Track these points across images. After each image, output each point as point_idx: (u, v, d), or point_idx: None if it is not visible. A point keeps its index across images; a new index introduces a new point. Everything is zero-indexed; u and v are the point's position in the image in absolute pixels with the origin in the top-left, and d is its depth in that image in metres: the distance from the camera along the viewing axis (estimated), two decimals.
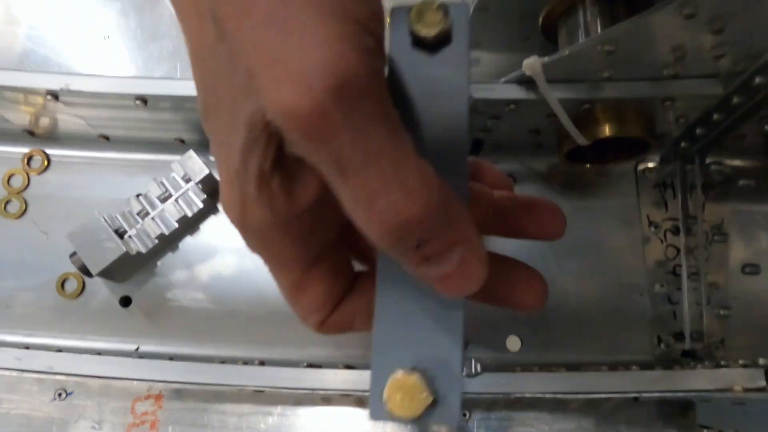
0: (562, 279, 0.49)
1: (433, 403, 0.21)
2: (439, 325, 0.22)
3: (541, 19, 0.47)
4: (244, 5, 0.15)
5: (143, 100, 0.45)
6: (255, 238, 0.22)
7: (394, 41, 0.21)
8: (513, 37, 0.48)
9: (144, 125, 0.49)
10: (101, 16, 0.61)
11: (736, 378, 0.38)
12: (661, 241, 0.51)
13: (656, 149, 0.50)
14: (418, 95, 0.21)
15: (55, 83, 0.46)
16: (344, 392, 0.37)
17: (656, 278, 0.50)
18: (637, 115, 0.44)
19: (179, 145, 0.52)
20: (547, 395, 0.36)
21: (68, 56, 0.59)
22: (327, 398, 0.45)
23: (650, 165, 0.52)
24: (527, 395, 0.36)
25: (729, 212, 0.51)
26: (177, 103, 0.45)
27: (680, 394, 0.39)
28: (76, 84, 0.46)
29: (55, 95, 0.46)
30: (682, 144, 0.50)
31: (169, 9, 0.63)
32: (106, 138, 0.53)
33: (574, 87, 0.41)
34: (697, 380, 0.39)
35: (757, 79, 0.40)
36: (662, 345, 0.48)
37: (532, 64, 0.39)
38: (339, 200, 0.17)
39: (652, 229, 0.51)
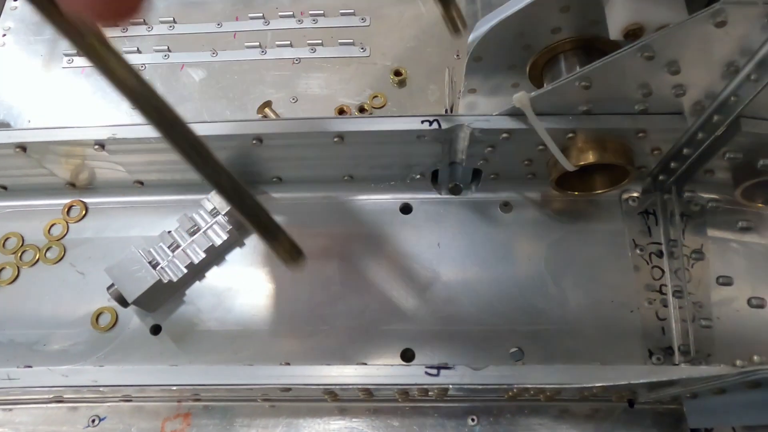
0: (559, 297, 0.54)
1: None
2: None
3: (528, 68, 0.54)
4: None
5: None
6: None
7: None
8: (504, 84, 0.55)
9: (176, 167, 0.55)
10: None
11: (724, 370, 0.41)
12: (647, 263, 0.55)
13: (637, 180, 0.56)
14: None
15: (102, 134, 0.52)
16: (362, 386, 0.41)
17: (644, 296, 0.54)
18: (616, 144, 0.50)
19: (207, 185, 0.57)
20: (548, 386, 0.40)
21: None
22: (343, 409, 0.49)
23: (634, 194, 0.57)
24: (529, 386, 0.40)
25: (707, 237, 0.56)
26: (214, 142, 0.51)
27: (672, 391, 0.43)
28: (122, 132, 0.52)
29: (101, 144, 0.52)
30: (660, 177, 0.56)
31: (192, 77, 0.70)
32: (141, 183, 0.59)
33: (558, 119, 0.48)
34: (686, 371, 0.42)
35: (716, 117, 0.47)
36: (653, 358, 0.52)
37: (521, 97, 0.45)
38: None
39: (639, 251, 0.56)
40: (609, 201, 0.57)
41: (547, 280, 0.54)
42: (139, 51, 0.71)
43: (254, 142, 0.50)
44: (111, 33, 0.72)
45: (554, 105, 0.47)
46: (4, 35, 0.75)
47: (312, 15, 0.73)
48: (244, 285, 0.55)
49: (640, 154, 0.52)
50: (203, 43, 0.72)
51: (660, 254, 0.55)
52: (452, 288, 0.54)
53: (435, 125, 0.48)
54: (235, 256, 0.57)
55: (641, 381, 0.38)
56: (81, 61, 0.71)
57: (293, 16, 0.73)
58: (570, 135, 0.48)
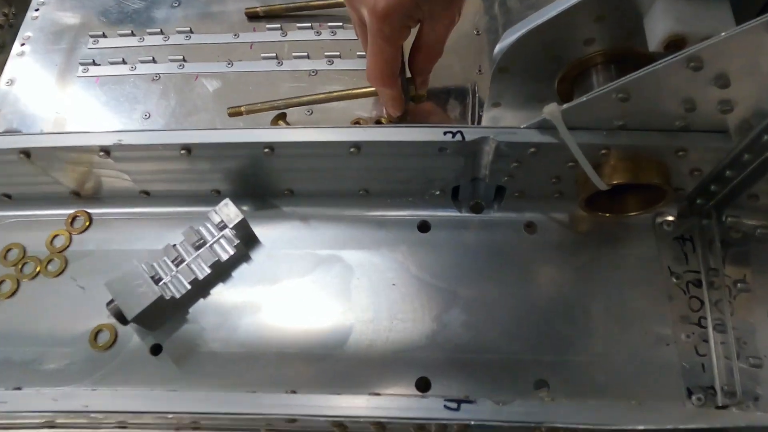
0: (587, 326, 0.50)
1: None
2: None
3: (557, 82, 0.51)
4: None
5: (188, 149, 0.48)
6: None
7: None
8: (531, 98, 0.52)
9: (184, 177, 0.53)
10: (144, 98, 0.67)
11: None
12: (684, 293, 0.51)
13: (673, 202, 0.52)
14: None
15: (108, 140, 0.49)
16: (374, 419, 0.37)
17: (681, 329, 0.50)
18: (652, 163, 0.46)
19: (215, 197, 0.54)
20: (582, 426, 0.36)
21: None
22: None
23: (669, 218, 0.54)
24: (559, 425, 0.36)
25: (751, 267, 0.52)
26: (217, 151, 0.48)
27: None
28: (128, 138, 0.49)
29: (107, 151, 0.50)
30: (698, 200, 0.52)
31: (206, 87, 0.68)
32: (147, 193, 0.56)
33: (591, 133, 0.44)
34: (735, 418, 0.38)
35: (765, 137, 0.43)
36: (693, 398, 0.48)
37: (552, 109, 0.42)
38: None
39: (675, 280, 0.52)
40: (642, 224, 0.54)
41: (574, 307, 0.51)
42: (154, 60, 0.70)
43: (266, 150, 0.47)
44: (125, 43, 0.71)
45: (587, 118, 0.44)
46: (23, 44, 0.74)
47: (330, 27, 0.71)
48: (250, 304, 0.52)
49: (678, 174, 0.48)
50: (219, 53, 0.70)
51: (698, 284, 0.51)
52: (471, 312, 0.51)
53: (458, 137, 0.44)
54: (241, 272, 0.54)
55: (690, 426, 0.34)
56: (96, 71, 0.70)
57: (311, 27, 0.72)
58: (603, 151, 0.45)
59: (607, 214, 0.51)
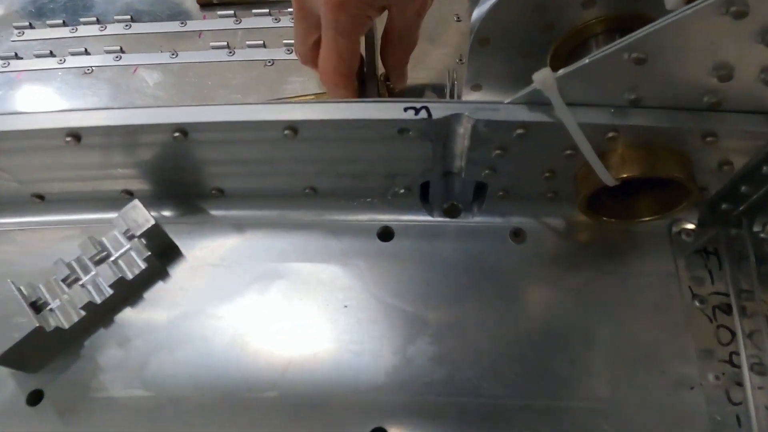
0: (589, 362, 0.39)
1: None
2: None
3: (549, 57, 0.41)
4: None
5: (76, 136, 0.37)
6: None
7: None
8: (519, 79, 0.41)
9: (82, 174, 0.42)
10: (71, 93, 0.59)
11: None
12: (710, 320, 0.41)
13: (694, 205, 0.42)
14: None
15: None
16: None
17: (709, 368, 0.39)
18: (672, 153, 0.36)
19: (127, 200, 0.43)
20: None
21: None
22: None
23: (688, 226, 0.43)
24: None
25: None
26: (111, 137, 0.38)
27: None
28: (6, 123, 0.38)
29: None
30: (723, 205, 0.42)
31: (146, 80, 0.59)
32: (40, 197, 0.45)
33: (595, 111, 0.34)
34: None
35: None
36: None
37: (544, 76, 0.32)
38: None
39: (697, 304, 0.41)
40: (655, 233, 0.44)
41: (573, 338, 0.40)
42: (87, 52, 0.61)
43: (176, 135, 0.37)
44: (54, 34, 0.61)
45: (590, 90, 0.34)
46: None
47: (291, 14, 0.64)
48: (164, 333, 0.41)
49: (704, 168, 0.38)
50: (163, 43, 0.63)
51: (727, 309, 0.41)
52: (443, 344, 0.40)
53: (423, 113, 0.34)
54: (155, 292, 0.43)
55: None
56: (18, 65, 0.61)
57: (269, 14, 0.64)
58: (610, 134, 0.35)
59: (613, 220, 0.41)
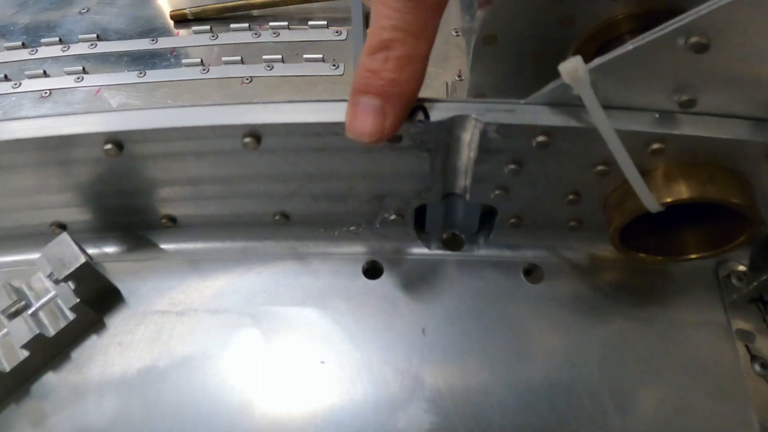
0: (622, 430, 0.31)
1: None
2: None
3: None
4: None
5: None
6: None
7: None
8: (527, 82, 0.35)
9: (3, 203, 0.34)
10: None
11: None
12: None
13: (747, 243, 0.34)
14: None
15: None
16: None
17: None
18: (731, 173, 0.29)
19: (57, 235, 0.35)
20: None
21: None
22: None
23: (739, 268, 0.36)
24: None
25: None
26: (38, 152, 0.30)
27: None
28: None
29: None
30: None
31: (109, 103, 0.54)
32: None
33: (636, 116, 0.27)
34: None
35: None
36: None
37: (574, 67, 0.25)
38: None
39: (758, 368, 0.33)
40: (699, 275, 0.36)
41: (602, 400, 0.32)
42: (45, 74, 0.57)
43: (108, 148, 0.29)
44: (12, 57, 0.54)
45: (631, 89, 0.27)
46: None
47: (273, 28, 0.60)
48: (95, 405, 0.33)
49: (764, 196, 0.31)
50: (130, 62, 0.59)
51: None
52: (440, 410, 0.32)
53: (418, 115, 0.27)
54: (86, 351, 0.34)
55: None
56: None
57: (249, 29, 0.60)
58: (655, 146, 0.27)
59: (651, 257, 0.34)
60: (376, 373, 0.33)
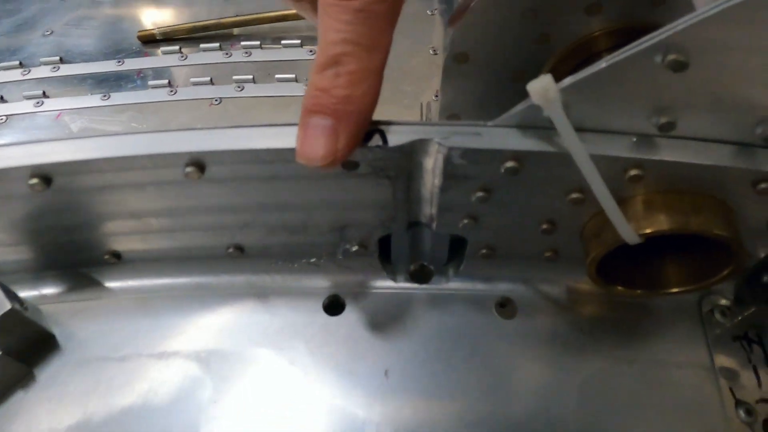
0: None
1: None
2: None
3: None
4: None
5: None
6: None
7: None
8: (505, 104, 0.33)
9: None
10: None
11: None
12: None
13: (731, 276, 0.32)
14: None
15: None
16: None
17: None
18: (715, 202, 0.27)
19: None
20: None
21: None
22: None
23: (722, 302, 0.34)
24: None
25: None
26: None
27: None
28: None
29: None
30: (766, 277, 0.33)
31: (69, 127, 0.53)
32: None
33: (612, 140, 0.25)
34: None
35: None
36: None
37: (544, 87, 0.23)
38: None
39: (742, 415, 0.31)
40: (681, 309, 0.34)
41: None
42: (3, 100, 0.55)
43: (34, 182, 0.26)
44: None
45: (606, 111, 0.25)
46: None
47: (245, 47, 0.59)
48: None
49: (750, 226, 0.29)
50: (93, 85, 0.57)
51: None
52: None
53: (375, 140, 0.24)
54: (10, 408, 0.31)
55: None
56: None
57: (220, 48, 0.59)
58: (633, 173, 0.25)
59: (630, 290, 0.31)
60: (336, 420, 0.30)
